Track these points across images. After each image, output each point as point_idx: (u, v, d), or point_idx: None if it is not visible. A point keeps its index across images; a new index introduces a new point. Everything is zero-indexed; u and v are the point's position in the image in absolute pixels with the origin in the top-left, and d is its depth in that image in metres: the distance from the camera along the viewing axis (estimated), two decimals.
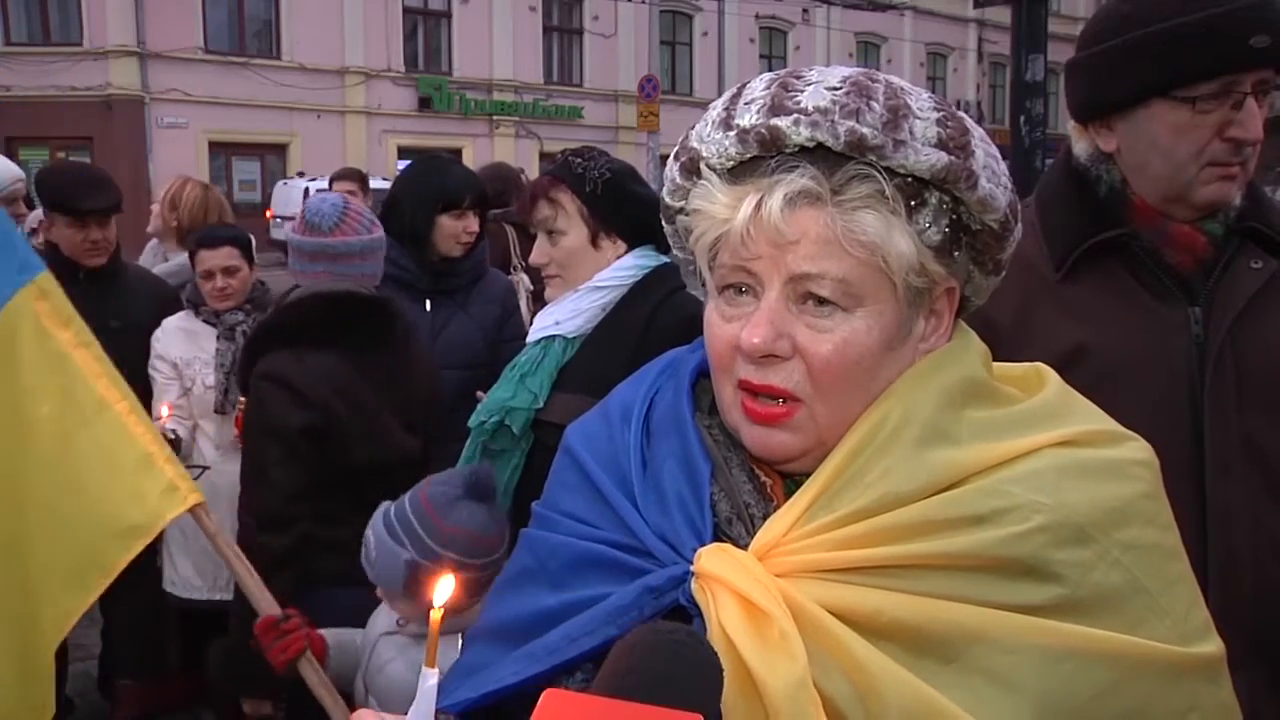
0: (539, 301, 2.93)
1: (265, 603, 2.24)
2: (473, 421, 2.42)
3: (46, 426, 2.19)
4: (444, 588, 0.93)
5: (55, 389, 2.19)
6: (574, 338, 2.34)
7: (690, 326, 2.21)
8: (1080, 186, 1.80)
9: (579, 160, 2.38)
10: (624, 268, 2.35)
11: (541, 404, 2.30)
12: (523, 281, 4.32)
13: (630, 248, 2.37)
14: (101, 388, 2.20)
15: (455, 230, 3.44)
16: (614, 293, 2.33)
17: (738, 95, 1.05)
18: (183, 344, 3.70)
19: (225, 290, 3.69)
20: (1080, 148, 1.81)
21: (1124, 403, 1.61)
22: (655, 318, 2.28)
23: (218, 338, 3.69)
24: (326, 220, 2.82)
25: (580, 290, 2.34)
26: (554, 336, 2.36)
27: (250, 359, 2.78)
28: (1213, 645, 1.03)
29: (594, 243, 2.35)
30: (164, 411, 3.45)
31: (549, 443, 2.25)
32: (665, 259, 2.38)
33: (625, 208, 2.35)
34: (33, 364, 2.19)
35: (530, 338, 2.43)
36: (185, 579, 3.64)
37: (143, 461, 2.19)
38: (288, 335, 2.73)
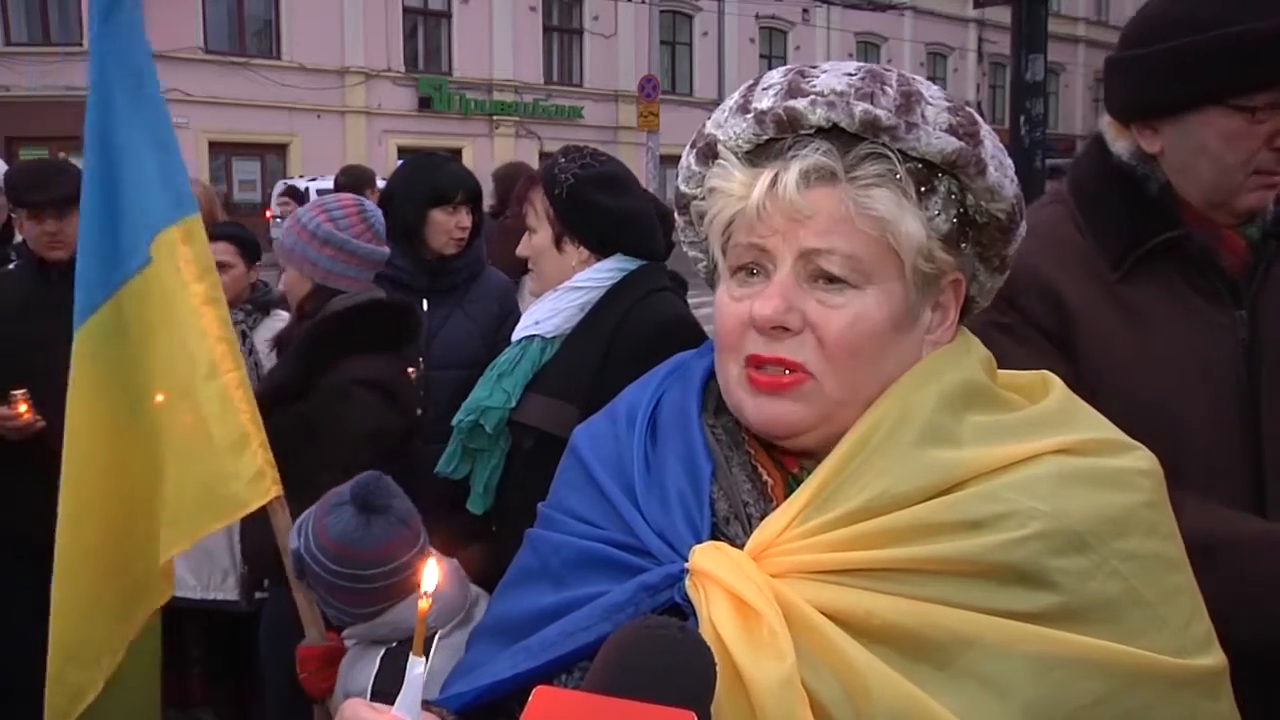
0: None
1: (314, 623, 2.21)
2: (454, 420, 2.42)
3: (161, 378, 2.15)
4: (430, 575, 0.93)
5: (179, 341, 2.15)
6: (553, 338, 2.35)
7: (662, 331, 2.20)
8: (1127, 185, 1.76)
9: (562, 160, 2.39)
10: (603, 269, 2.34)
11: (514, 404, 2.30)
12: None
13: (598, 255, 2.36)
14: (218, 354, 2.15)
15: (448, 225, 3.43)
16: (592, 294, 2.33)
17: (755, 84, 1.08)
18: None
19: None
20: (1121, 146, 1.78)
21: (1187, 406, 1.61)
22: (625, 322, 2.28)
23: None
24: (383, 230, 2.93)
25: (559, 290, 2.35)
26: (533, 337, 2.36)
27: (312, 364, 2.76)
28: (1213, 658, 1.02)
29: (558, 245, 2.36)
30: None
31: (522, 444, 2.29)
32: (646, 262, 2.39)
33: (585, 216, 2.34)
34: (165, 308, 2.15)
35: (514, 337, 2.44)
36: (180, 578, 3.62)
37: (239, 441, 2.15)
38: (358, 341, 2.76)
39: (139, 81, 2.20)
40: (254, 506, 2.18)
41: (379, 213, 2.96)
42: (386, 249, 2.97)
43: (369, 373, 2.71)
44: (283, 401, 2.83)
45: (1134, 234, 1.72)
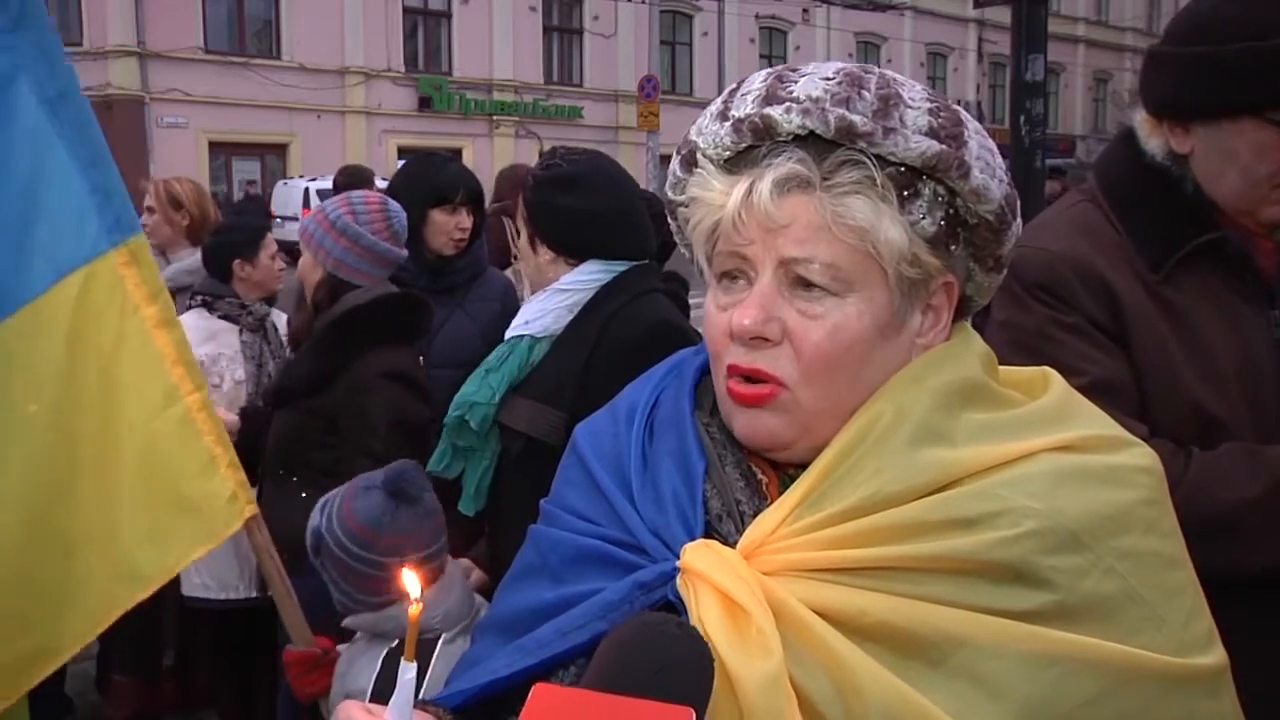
0: None
1: (300, 630, 2.20)
2: (445, 418, 2.41)
3: (110, 408, 2.03)
4: (413, 583, 0.93)
5: (130, 368, 2.03)
6: (542, 338, 2.33)
7: (648, 335, 2.18)
8: (1163, 186, 1.74)
9: (545, 160, 2.39)
10: (589, 271, 2.31)
11: (498, 399, 2.29)
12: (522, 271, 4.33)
13: (565, 256, 2.33)
14: (176, 376, 2.05)
15: (448, 226, 3.44)
16: (579, 295, 2.30)
17: (736, 89, 1.07)
18: (204, 342, 3.63)
19: (284, 272, 3.84)
20: (1154, 145, 1.75)
21: (1230, 405, 1.62)
22: (610, 326, 2.25)
23: (241, 331, 3.69)
24: (404, 233, 2.97)
25: (548, 291, 2.34)
26: (522, 336, 2.35)
27: (334, 359, 2.77)
28: (1213, 657, 1.01)
29: (532, 245, 2.35)
30: None
31: (508, 447, 2.29)
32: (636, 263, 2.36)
33: (543, 217, 2.32)
34: (109, 335, 2.02)
35: (506, 335, 2.43)
36: (221, 580, 3.60)
37: (206, 466, 2.05)
38: (378, 335, 2.79)
39: (60, 96, 2.02)
40: (231, 531, 2.09)
41: (403, 215, 2.99)
42: (404, 251, 2.99)
43: (392, 365, 2.75)
44: (300, 397, 2.84)
45: (1174, 235, 1.70)
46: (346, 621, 2.16)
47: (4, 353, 1.99)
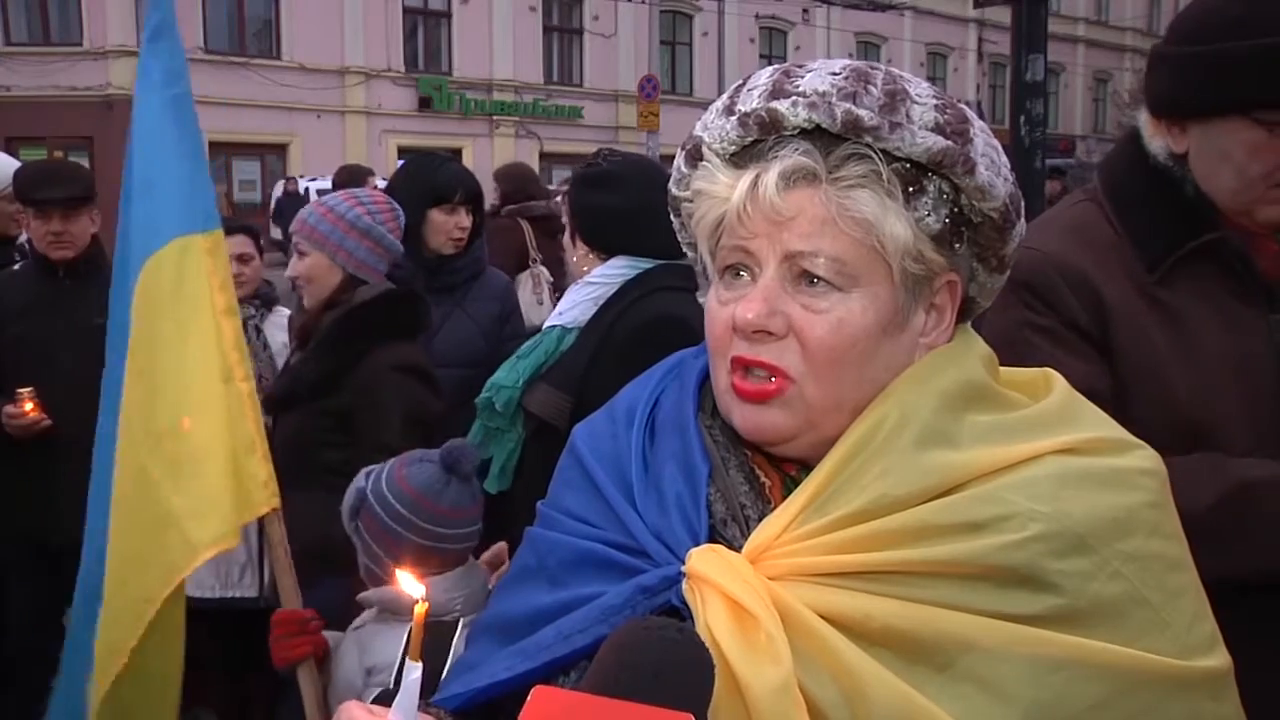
0: (559, 294, 3.18)
1: (293, 592, 2.26)
2: (478, 399, 2.56)
3: (181, 377, 2.24)
4: (413, 585, 0.93)
5: (198, 344, 2.25)
6: (572, 328, 2.46)
7: (648, 329, 2.27)
8: (1165, 186, 1.73)
9: (590, 159, 2.55)
10: (615, 266, 2.44)
11: (522, 384, 2.43)
12: (542, 274, 4.36)
13: (596, 251, 2.48)
14: (233, 361, 2.25)
15: (447, 225, 3.46)
16: (604, 289, 2.44)
17: (742, 85, 1.07)
18: None
19: (239, 277, 3.73)
20: (1157, 145, 1.74)
21: (1223, 407, 1.61)
22: (620, 320, 2.37)
23: None
24: (403, 228, 3.01)
25: (579, 283, 2.49)
26: (554, 326, 2.49)
27: (346, 356, 2.78)
28: (1216, 659, 1.01)
29: (573, 240, 2.52)
30: None
31: (528, 432, 2.44)
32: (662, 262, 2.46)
33: (578, 212, 2.51)
34: (188, 304, 2.25)
35: (544, 325, 2.58)
36: (199, 579, 3.60)
37: (248, 447, 2.22)
38: (386, 330, 2.82)
39: (179, 96, 2.35)
40: (259, 514, 2.22)
41: (401, 210, 3.04)
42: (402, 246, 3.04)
43: (403, 358, 2.78)
44: (309, 399, 2.82)
45: (1172, 236, 1.70)
46: (362, 596, 2.21)
47: (154, 278, 2.29)
